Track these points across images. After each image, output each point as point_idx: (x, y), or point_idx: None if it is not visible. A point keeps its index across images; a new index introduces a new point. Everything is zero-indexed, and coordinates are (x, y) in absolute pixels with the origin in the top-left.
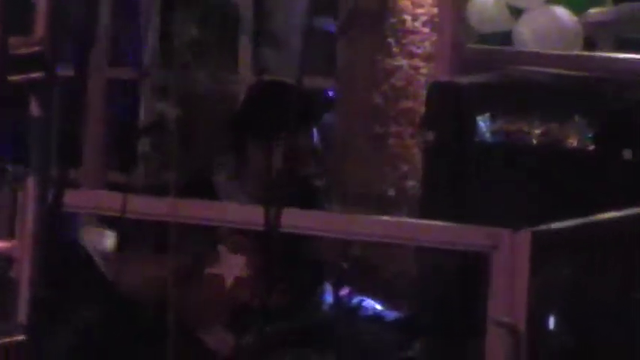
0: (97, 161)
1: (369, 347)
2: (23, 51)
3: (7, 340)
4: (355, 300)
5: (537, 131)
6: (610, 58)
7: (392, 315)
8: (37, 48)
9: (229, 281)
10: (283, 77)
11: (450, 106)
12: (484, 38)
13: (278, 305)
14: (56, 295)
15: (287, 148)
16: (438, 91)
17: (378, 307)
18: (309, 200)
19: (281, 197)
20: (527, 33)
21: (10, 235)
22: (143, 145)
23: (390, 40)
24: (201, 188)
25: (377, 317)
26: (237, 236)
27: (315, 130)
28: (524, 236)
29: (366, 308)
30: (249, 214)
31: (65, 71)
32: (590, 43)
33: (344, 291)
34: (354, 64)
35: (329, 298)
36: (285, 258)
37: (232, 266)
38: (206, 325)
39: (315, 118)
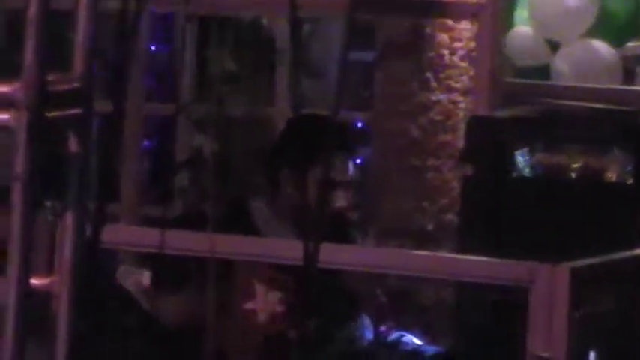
0: (134, 196)
1: None
2: (61, 87)
3: None
4: (395, 335)
5: (576, 165)
6: None
7: (431, 349)
8: (75, 84)
9: (264, 317)
10: (320, 109)
11: (488, 140)
12: (522, 72)
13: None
14: (96, 331)
15: (321, 180)
16: (477, 125)
17: (417, 341)
18: (343, 234)
19: (318, 231)
20: (565, 66)
21: (49, 270)
22: (181, 179)
23: (429, 74)
24: (238, 215)
25: (416, 352)
26: (272, 272)
27: (350, 163)
28: (563, 270)
29: (406, 343)
30: (287, 249)
31: (103, 107)
32: (628, 76)
33: (384, 326)
34: (391, 97)
35: (368, 332)
36: (321, 290)
37: (267, 302)
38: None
39: (350, 151)
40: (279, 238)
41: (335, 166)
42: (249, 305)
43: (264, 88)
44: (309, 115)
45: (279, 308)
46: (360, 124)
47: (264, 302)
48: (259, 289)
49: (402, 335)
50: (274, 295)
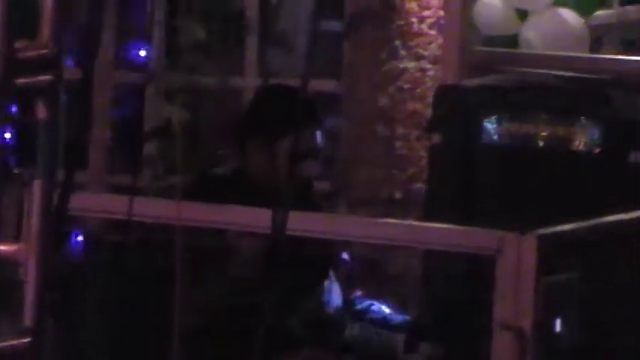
0: (102, 164)
1: (375, 350)
2: (30, 54)
3: (14, 342)
4: (364, 303)
5: (544, 133)
6: (616, 60)
7: (399, 318)
8: (43, 51)
9: None
10: (289, 79)
11: (456, 108)
12: (490, 41)
13: None
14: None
15: (289, 149)
16: (445, 94)
17: (387, 310)
18: (309, 203)
19: (286, 200)
20: (534, 35)
21: (16, 237)
22: (149, 148)
23: (397, 42)
24: (204, 186)
25: (384, 320)
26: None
27: (318, 133)
28: (530, 239)
29: (374, 311)
30: (256, 218)
31: (71, 74)
32: (596, 45)
33: (354, 294)
34: (360, 66)
35: (336, 298)
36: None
37: None
38: None
39: (318, 122)
40: (248, 207)
41: (303, 136)
42: None
43: (234, 58)
44: (277, 86)
45: None
46: (329, 94)
47: None
48: None
49: (372, 304)
50: None
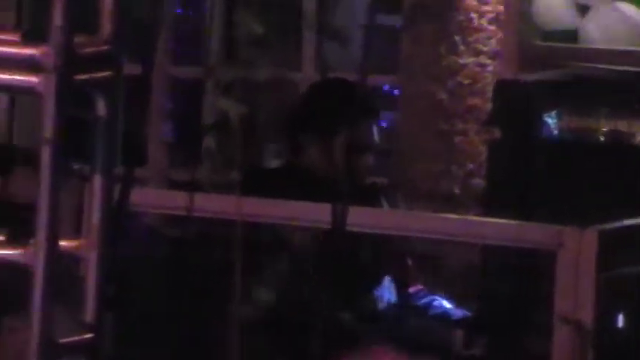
0: (161, 160)
1: (435, 344)
2: (89, 50)
3: (76, 338)
4: (426, 299)
5: (604, 129)
6: None
7: (459, 313)
8: (103, 47)
9: None
10: (346, 74)
11: (516, 103)
12: (550, 35)
13: None
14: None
15: (345, 144)
16: (505, 89)
17: (447, 305)
18: (368, 198)
19: (346, 195)
20: (594, 30)
21: (76, 233)
22: (207, 142)
23: (457, 37)
24: (254, 180)
25: (445, 315)
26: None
27: (374, 127)
28: (591, 234)
29: (435, 307)
30: (316, 212)
31: (131, 70)
32: None
33: (414, 289)
34: (419, 61)
35: (389, 294)
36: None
37: None
38: None
39: (376, 116)
40: (308, 202)
41: (360, 130)
42: None
43: (291, 52)
44: (333, 79)
45: None
46: (387, 88)
47: None
48: None
49: (434, 299)
50: None
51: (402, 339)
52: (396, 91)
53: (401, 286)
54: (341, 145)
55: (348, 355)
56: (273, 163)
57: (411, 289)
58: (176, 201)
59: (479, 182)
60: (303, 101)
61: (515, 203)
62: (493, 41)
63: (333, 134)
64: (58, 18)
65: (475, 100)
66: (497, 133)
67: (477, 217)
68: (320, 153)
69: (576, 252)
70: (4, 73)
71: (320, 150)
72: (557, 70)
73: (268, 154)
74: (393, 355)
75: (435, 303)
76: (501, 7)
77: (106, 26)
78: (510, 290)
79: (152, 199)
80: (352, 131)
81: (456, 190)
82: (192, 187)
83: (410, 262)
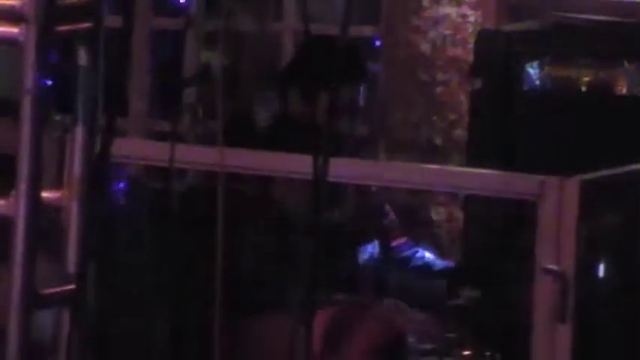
0: (142, 111)
1: (418, 297)
2: (70, 1)
3: (58, 289)
4: (409, 251)
5: (586, 78)
6: None
7: (442, 264)
8: None
9: None
10: (329, 25)
11: (498, 53)
12: None
13: None
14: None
15: (330, 102)
16: (487, 39)
17: (430, 256)
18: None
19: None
20: None
21: (58, 184)
22: (188, 94)
23: None
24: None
25: (427, 267)
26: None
27: (360, 89)
28: (573, 183)
29: (417, 258)
30: (298, 164)
31: (112, 21)
32: None
33: (397, 242)
34: (400, 12)
35: (371, 247)
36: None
37: None
38: None
39: (362, 76)
40: (290, 154)
41: (344, 91)
42: None
43: (272, 2)
44: (323, 38)
45: None
46: (370, 40)
47: None
48: None
49: (416, 251)
50: None
51: (387, 291)
52: (377, 42)
53: (384, 240)
54: (323, 104)
55: (332, 310)
56: (258, 113)
57: (394, 243)
58: (158, 152)
59: (460, 133)
60: (292, 57)
61: (497, 153)
62: None
63: (316, 93)
64: None
65: (456, 51)
66: (478, 84)
67: (458, 168)
68: (304, 110)
69: (558, 202)
70: None
71: (304, 107)
72: (539, 20)
73: (251, 105)
74: (381, 310)
75: (418, 255)
76: None
77: None
78: (492, 240)
79: (134, 150)
80: (336, 94)
81: (437, 141)
82: (174, 137)
83: (393, 215)
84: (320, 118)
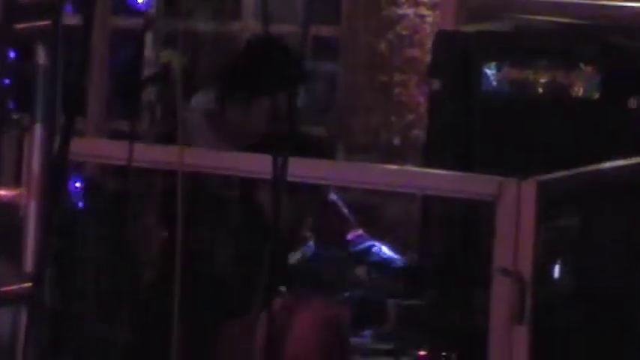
0: (101, 110)
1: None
2: None
3: (15, 287)
4: (365, 244)
5: (543, 80)
6: (616, 6)
7: (398, 261)
8: None
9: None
10: (289, 24)
11: (456, 54)
12: None
13: None
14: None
15: (267, 108)
16: (445, 40)
17: (387, 251)
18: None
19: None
20: None
21: (16, 183)
22: (147, 94)
23: None
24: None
25: (384, 263)
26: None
27: (299, 95)
28: (530, 185)
29: (374, 254)
30: (257, 164)
31: (71, 20)
32: None
33: (353, 235)
34: (359, 12)
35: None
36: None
37: None
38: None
39: (299, 79)
40: (250, 153)
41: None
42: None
43: (231, 3)
44: (263, 39)
45: None
46: (328, 40)
47: None
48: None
49: (372, 245)
50: None
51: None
52: (335, 42)
53: (339, 236)
54: (260, 110)
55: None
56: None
57: (350, 236)
58: (117, 151)
59: (418, 133)
60: (234, 59)
61: (454, 154)
62: None
63: (254, 98)
64: None
65: (414, 52)
66: (436, 85)
67: (416, 168)
68: (240, 113)
69: (515, 203)
70: None
71: (241, 111)
72: (496, 22)
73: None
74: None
75: (374, 249)
76: None
77: None
78: (450, 241)
79: (93, 149)
80: (274, 98)
81: (396, 142)
82: (132, 137)
83: (347, 211)
84: (256, 123)
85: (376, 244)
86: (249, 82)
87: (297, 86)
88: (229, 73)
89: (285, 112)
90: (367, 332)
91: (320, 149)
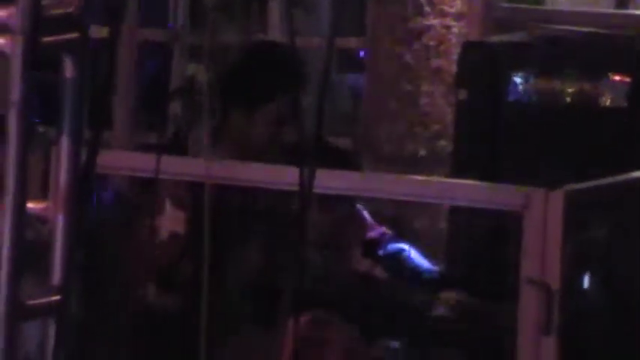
0: (128, 123)
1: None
2: (57, 12)
3: (43, 300)
4: (392, 246)
5: (570, 90)
6: None
7: (429, 267)
8: (70, 9)
9: (164, 234)
10: (314, 38)
11: (483, 65)
12: None
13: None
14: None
15: (269, 117)
16: (471, 50)
17: (417, 256)
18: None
19: (313, 159)
20: None
21: (43, 196)
22: (174, 107)
23: None
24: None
25: (414, 270)
26: (180, 191)
27: (300, 97)
28: (557, 195)
29: (404, 260)
30: (284, 175)
31: (98, 32)
32: (623, 1)
33: (376, 232)
34: (385, 24)
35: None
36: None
37: (171, 220)
38: (132, 277)
39: (303, 83)
40: (275, 165)
41: (284, 104)
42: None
43: (257, 16)
44: (265, 45)
45: (180, 228)
46: (355, 52)
47: (168, 220)
48: (168, 205)
49: (402, 250)
50: (179, 214)
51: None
52: (362, 53)
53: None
54: (264, 117)
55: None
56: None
57: (372, 233)
58: (144, 164)
59: (444, 144)
60: (234, 67)
61: (481, 165)
62: (458, 2)
63: (256, 104)
64: None
65: (441, 62)
66: (463, 95)
67: (442, 179)
68: (243, 121)
69: (542, 213)
70: None
71: (243, 118)
72: (523, 32)
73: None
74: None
75: (404, 254)
76: None
77: None
78: (478, 253)
79: (120, 161)
80: (277, 104)
81: (421, 152)
82: (159, 149)
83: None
84: (257, 136)
85: (405, 248)
86: (248, 90)
87: (298, 90)
88: (227, 83)
89: (291, 118)
90: (395, 344)
91: (347, 160)
